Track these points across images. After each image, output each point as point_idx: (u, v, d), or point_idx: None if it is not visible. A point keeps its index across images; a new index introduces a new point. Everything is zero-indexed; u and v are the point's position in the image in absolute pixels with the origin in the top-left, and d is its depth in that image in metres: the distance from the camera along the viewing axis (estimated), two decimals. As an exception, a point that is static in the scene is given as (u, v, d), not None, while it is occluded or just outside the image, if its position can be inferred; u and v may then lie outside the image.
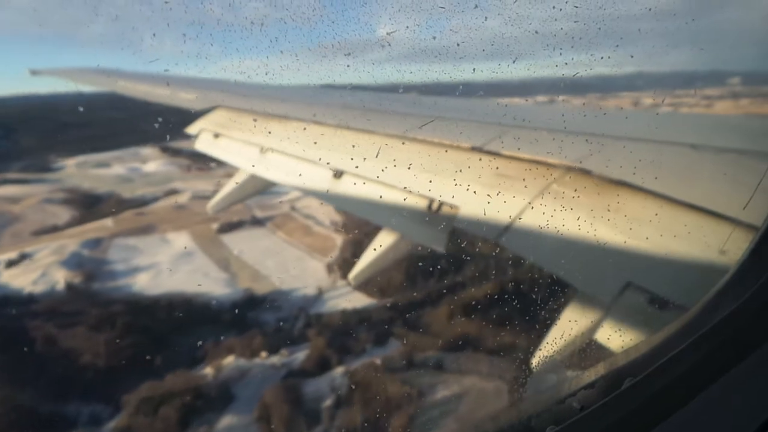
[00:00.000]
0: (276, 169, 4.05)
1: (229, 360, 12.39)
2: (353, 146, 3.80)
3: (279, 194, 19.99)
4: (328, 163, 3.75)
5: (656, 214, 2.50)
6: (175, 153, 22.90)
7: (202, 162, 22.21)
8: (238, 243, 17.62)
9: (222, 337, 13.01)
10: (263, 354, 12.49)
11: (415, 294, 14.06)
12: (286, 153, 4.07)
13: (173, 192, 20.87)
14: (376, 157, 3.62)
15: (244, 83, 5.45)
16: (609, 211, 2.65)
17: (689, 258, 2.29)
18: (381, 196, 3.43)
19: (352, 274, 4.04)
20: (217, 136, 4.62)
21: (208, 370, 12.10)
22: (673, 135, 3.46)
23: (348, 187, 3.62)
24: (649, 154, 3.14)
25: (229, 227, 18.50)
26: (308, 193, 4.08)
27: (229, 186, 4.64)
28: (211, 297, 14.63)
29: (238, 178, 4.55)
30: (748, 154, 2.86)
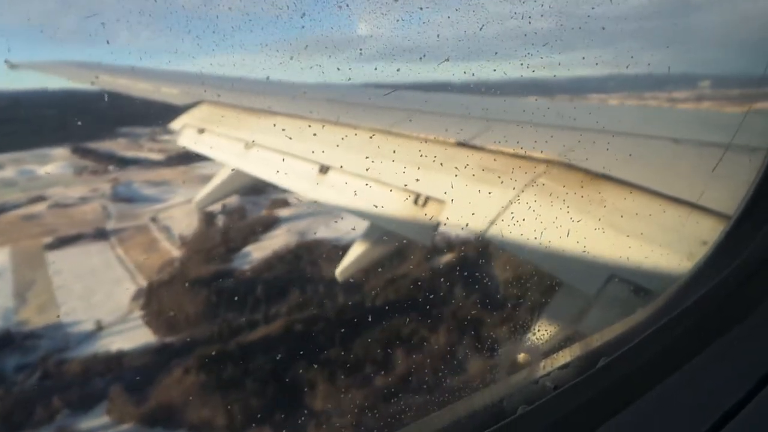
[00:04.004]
0: (261, 164, 4.03)
1: None
2: (339, 141, 3.79)
3: (153, 202, 18.14)
4: (313, 158, 3.74)
5: (640, 207, 2.53)
6: (85, 154, 20.55)
7: (103, 164, 20.51)
8: (63, 261, 15.09)
9: None
10: None
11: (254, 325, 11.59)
12: (271, 148, 4.05)
13: (40, 199, 18.32)
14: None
15: (228, 78, 5.41)
16: (593, 203, 2.68)
17: (672, 249, 2.32)
18: (367, 191, 3.43)
19: (339, 268, 4.03)
20: (201, 131, 4.58)
21: None
22: (655, 129, 3.51)
23: (334, 181, 3.62)
24: (631, 147, 3.18)
25: (65, 241, 15.84)
26: (293, 187, 4.06)
27: (215, 181, 4.60)
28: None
29: (224, 174, 4.51)
30: (729, 147, 2.91)
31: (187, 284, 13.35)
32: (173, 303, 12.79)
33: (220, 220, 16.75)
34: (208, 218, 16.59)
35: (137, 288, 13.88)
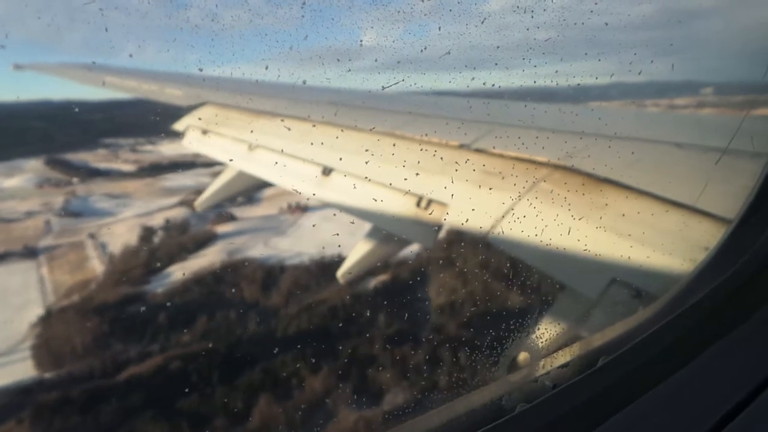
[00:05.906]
0: (264, 166, 4.04)
1: None
2: (342, 143, 3.80)
3: (102, 216, 17.14)
4: (317, 160, 3.75)
5: (641, 210, 2.53)
6: (56, 165, 19.56)
7: (69, 176, 19.39)
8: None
9: None
10: None
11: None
12: (275, 149, 4.06)
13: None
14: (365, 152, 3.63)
15: (233, 79, 5.44)
16: (594, 207, 2.68)
17: (674, 253, 2.32)
18: (369, 192, 3.43)
19: (341, 271, 4.03)
20: (204, 132, 4.60)
21: None
22: (657, 133, 3.51)
23: (337, 183, 3.62)
24: (633, 151, 3.18)
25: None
26: (296, 189, 4.07)
27: (217, 183, 4.62)
28: None
29: (227, 175, 4.52)
30: (733, 153, 2.90)
31: (88, 310, 11.91)
32: (66, 332, 11.32)
33: (158, 236, 15.69)
34: (147, 233, 15.63)
35: (42, 313, 12.38)
